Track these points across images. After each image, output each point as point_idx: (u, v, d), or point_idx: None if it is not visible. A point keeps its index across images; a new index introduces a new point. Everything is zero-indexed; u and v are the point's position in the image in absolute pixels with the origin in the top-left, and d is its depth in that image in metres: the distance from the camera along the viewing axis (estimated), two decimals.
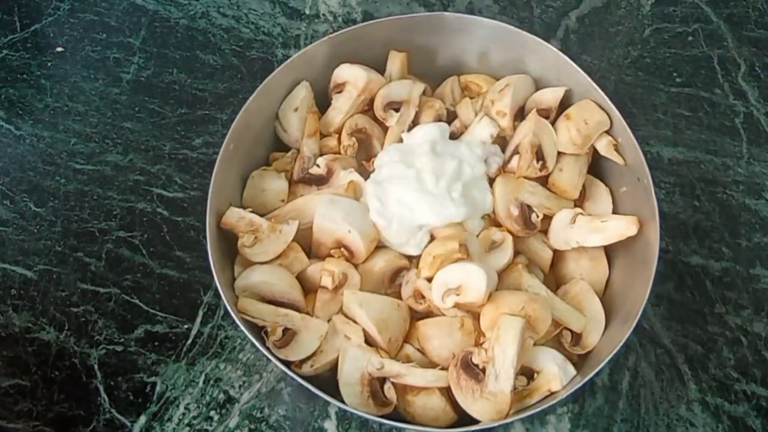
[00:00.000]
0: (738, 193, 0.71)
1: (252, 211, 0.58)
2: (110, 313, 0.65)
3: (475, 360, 0.52)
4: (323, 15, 0.81)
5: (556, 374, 0.53)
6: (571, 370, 0.54)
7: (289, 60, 0.62)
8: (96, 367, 0.63)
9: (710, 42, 0.80)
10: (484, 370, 0.51)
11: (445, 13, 0.66)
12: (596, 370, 0.51)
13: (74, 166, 0.72)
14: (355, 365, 0.53)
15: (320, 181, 0.61)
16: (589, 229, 0.58)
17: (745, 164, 0.72)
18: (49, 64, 0.77)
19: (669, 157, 0.73)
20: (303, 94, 0.63)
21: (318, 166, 0.61)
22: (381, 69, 0.65)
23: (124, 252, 0.68)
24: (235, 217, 0.57)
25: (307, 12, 0.81)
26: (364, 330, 0.54)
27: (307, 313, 0.56)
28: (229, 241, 0.58)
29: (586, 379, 0.51)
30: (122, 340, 0.64)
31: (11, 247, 0.68)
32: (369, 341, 0.54)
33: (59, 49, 0.78)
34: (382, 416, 0.51)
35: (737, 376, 0.63)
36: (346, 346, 0.54)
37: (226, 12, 0.81)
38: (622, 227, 0.57)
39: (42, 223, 0.69)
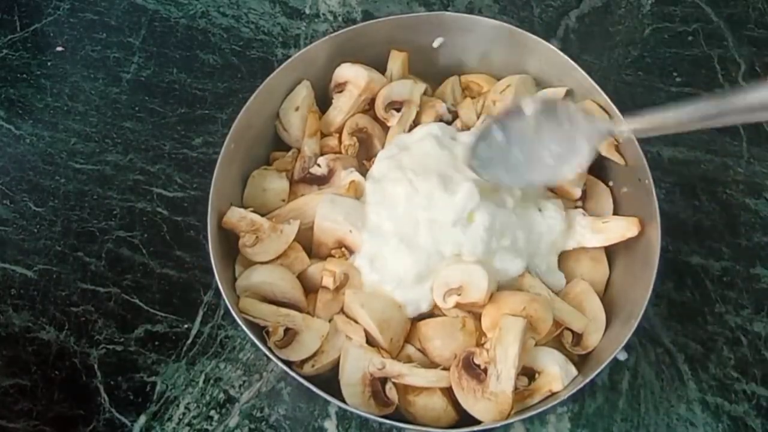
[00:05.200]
0: (738, 192, 0.71)
1: (253, 211, 0.58)
2: (110, 312, 0.65)
3: (477, 360, 0.52)
4: (323, 14, 0.80)
5: (557, 375, 0.53)
6: (573, 371, 0.54)
7: (289, 59, 0.62)
8: (96, 366, 0.63)
9: (710, 42, 0.80)
10: (485, 371, 0.51)
11: (446, 12, 0.66)
12: (598, 370, 0.51)
13: (74, 165, 0.72)
14: (357, 365, 0.53)
15: (321, 180, 0.61)
16: (591, 230, 0.58)
17: (745, 164, 0.72)
18: (49, 63, 0.77)
19: (669, 157, 0.72)
20: (304, 93, 0.63)
21: (319, 165, 0.61)
22: (382, 68, 0.65)
23: (124, 252, 0.68)
24: (237, 216, 0.57)
25: (307, 11, 0.81)
26: (365, 330, 0.54)
27: (309, 313, 0.55)
28: (230, 240, 0.58)
29: (587, 380, 0.51)
30: (122, 339, 0.64)
31: (11, 246, 0.68)
32: (370, 341, 0.54)
33: (59, 48, 0.78)
34: (383, 416, 0.51)
35: (737, 376, 0.63)
36: (347, 347, 0.54)
37: (226, 12, 0.81)
38: (623, 228, 0.57)
39: (42, 223, 0.69)
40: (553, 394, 0.53)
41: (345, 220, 0.56)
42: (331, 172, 0.61)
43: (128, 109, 0.75)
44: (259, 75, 0.76)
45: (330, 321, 0.55)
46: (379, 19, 0.66)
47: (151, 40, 0.79)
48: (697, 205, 0.70)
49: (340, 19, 0.80)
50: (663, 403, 0.62)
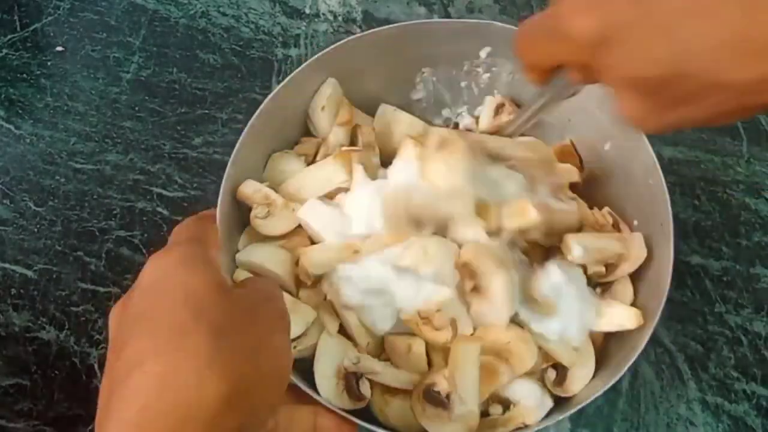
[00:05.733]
0: (738, 192, 0.71)
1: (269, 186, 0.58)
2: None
3: (437, 389, 0.51)
4: (323, 14, 0.81)
5: (532, 409, 0.52)
6: (549, 403, 0.53)
7: (322, 52, 0.60)
8: (96, 366, 0.63)
9: None
10: (448, 397, 0.50)
11: (494, 22, 0.62)
12: (573, 410, 0.50)
13: (74, 165, 0.72)
14: (332, 357, 0.52)
15: None
16: (595, 312, 0.55)
17: (745, 164, 0.72)
18: (49, 63, 0.77)
19: (669, 157, 0.72)
20: (329, 92, 0.61)
21: None
22: (414, 69, 0.64)
23: (124, 251, 0.68)
24: (251, 189, 0.57)
25: (307, 11, 0.81)
26: (344, 325, 0.54)
27: (298, 298, 0.55)
28: (239, 213, 0.57)
29: (564, 414, 0.51)
30: None
31: (11, 246, 0.68)
32: (350, 336, 0.54)
33: (59, 48, 0.78)
34: (355, 411, 0.50)
35: (737, 376, 0.63)
36: (325, 338, 0.53)
37: (226, 11, 0.81)
38: (622, 319, 0.54)
39: (42, 223, 0.69)
40: (526, 426, 0.52)
41: (322, 230, 0.55)
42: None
43: (128, 109, 0.75)
44: (259, 75, 0.76)
45: (316, 308, 0.55)
46: (425, 21, 0.64)
47: (151, 40, 0.79)
48: (696, 204, 0.70)
49: (340, 19, 0.80)
50: (663, 403, 0.62)
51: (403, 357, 0.53)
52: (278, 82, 0.76)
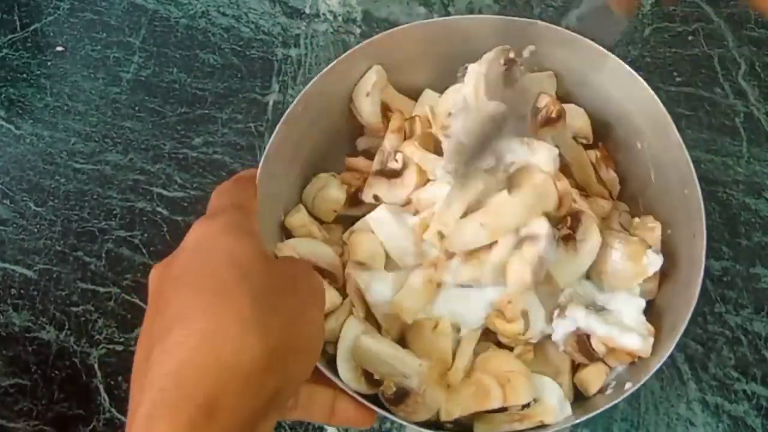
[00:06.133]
0: (738, 192, 0.71)
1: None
2: (110, 312, 0.65)
3: (389, 392, 0.50)
4: (323, 14, 0.81)
5: (553, 408, 0.51)
6: (568, 410, 0.52)
7: (367, 41, 0.60)
8: (96, 366, 0.63)
9: (710, 41, 0.80)
10: (407, 391, 0.50)
11: (538, 21, 0.62)
12: (593, 413, 0.50)
13: (74, 165, 0.72)
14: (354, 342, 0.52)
15: (394, 174, 0.60)
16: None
17: (745, 164, 0.72)
18: (49, 63, 0.77)
19: None
20: (374, 78, 0.61)
21: (396, 161, 0.60)
22: (457, 64, 0.62)
23: (124, 251, 0.68)
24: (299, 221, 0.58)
25: (307, 11, 0.81)
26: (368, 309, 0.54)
27: (339, 289, 0.56)
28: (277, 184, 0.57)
29: (580, 419, 0.50)
30: (122, 339, 0.64)
31: (11, 246, 0.68)
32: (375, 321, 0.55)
33: (59, 48, 0.78)
34: (369, 397, 0.50)
35: (737, 376, 0.63)
36: (349, 323, 0.53)
37: (226, 11, 0.81)
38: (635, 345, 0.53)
39: (42, 223, 0.69)
40: (543, 426, 0.51)
41: (386, 242, 0.56)
42: (404, 167, 0.60)
43: (128, 109, 0.75)
44: (259, 74, 0.76)
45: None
46: (479, 17, 0.64)
47: (151, 40, 0.79)
48: None
49: (340, 19, 0.80)
50: (663, 403, 0.62)
51: (428, 337, 0.53)
52: (278, 82, 0.76)
